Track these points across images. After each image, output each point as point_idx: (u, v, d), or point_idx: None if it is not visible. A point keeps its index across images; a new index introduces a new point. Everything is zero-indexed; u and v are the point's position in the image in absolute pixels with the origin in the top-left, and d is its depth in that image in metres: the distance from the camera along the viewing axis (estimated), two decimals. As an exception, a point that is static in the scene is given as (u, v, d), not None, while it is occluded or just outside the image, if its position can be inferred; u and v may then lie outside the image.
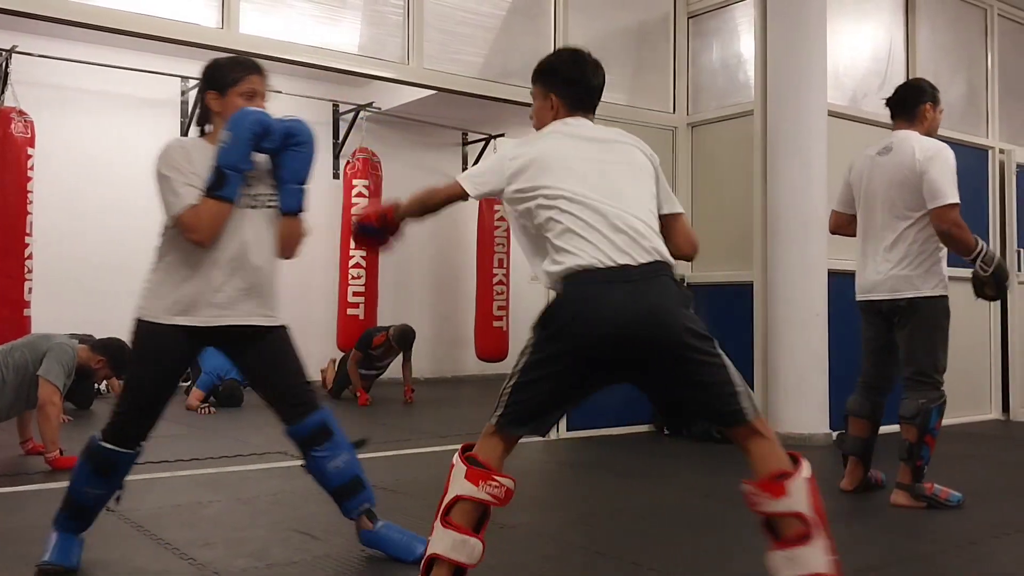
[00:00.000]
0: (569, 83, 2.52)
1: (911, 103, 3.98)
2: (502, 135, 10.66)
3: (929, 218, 3.73)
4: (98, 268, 7.98)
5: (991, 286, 3.84)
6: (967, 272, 3.90)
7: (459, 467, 2.24)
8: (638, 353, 2.20)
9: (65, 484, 2.92)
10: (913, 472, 3.78)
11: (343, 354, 8.61)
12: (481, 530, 2.24)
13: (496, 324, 10.03)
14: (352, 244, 2.72)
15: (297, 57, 4.96)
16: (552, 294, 2.33)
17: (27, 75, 7.60)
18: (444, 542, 2.19)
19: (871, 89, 6.46)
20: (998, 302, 6.87)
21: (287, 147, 2.81)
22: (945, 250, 3.83)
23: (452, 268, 10.65)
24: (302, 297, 9.57)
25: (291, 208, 2.85)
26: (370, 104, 9.60)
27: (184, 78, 8.45)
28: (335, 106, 9.88)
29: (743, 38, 6.29)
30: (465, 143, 11.00)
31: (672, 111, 6.53)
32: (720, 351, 2.26)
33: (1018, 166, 7.16)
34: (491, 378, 9.41)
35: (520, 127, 8.68)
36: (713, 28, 6.53)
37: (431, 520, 2.24)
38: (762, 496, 2.17)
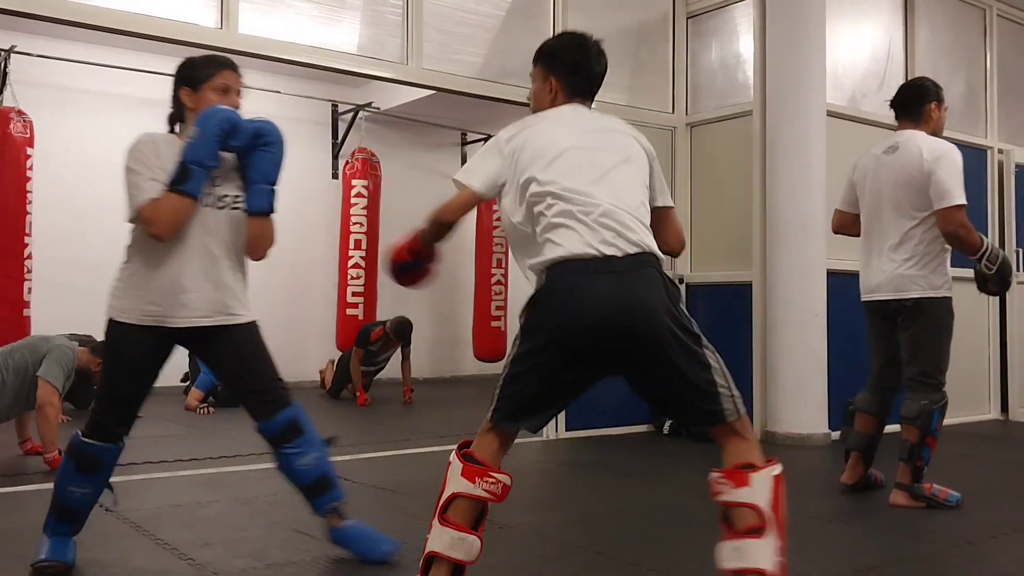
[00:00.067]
0: (570, 68, 2.48)
1: (916, 103, 3.97)
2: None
3: (935, 218, 3.73)
4: (98, 268, 7.92)
5: (995, 282, 3.84)
6: (967, 272, 3.90)
7: (456, 464, 2.23)
8: (621, 345, 2.18)
9: (64, 484, 2.92)
10: (913, 472, 3.78)
11: (341, 354, 8.61)
12: (479, 527, 2.24)
13: (494, 324, 10.04)
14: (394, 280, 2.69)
15: (296, 57, 4.95)
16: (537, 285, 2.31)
17: (26, 75, 7.59)
18: (442, 540, 2.19)
19: (870, 89, 6.47)
20: (997, 302, 6.89)
21: (256, 147, 2.80)
22: (950, 250, 3.83)
23: (450, 268, 10.64)
24: (301, 297, 9.59)
25: (259, 208, 2.83)
26: (369, 104, 9.59)
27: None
28: (334, 106, 9.87)
29: (742, 38, 6.30)
30: (464, 143, 10.99)
31: (671, 111, 6.53)
32: (707, 349, 2.24)
33: (1017, 166, 7.17)
34: (490, 378, 9.38)
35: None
36: (712, 28, 6.53)
37: (430, 519, 2.24)
38: (725, 484, 2.16)
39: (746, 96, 6.15)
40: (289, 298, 9.49)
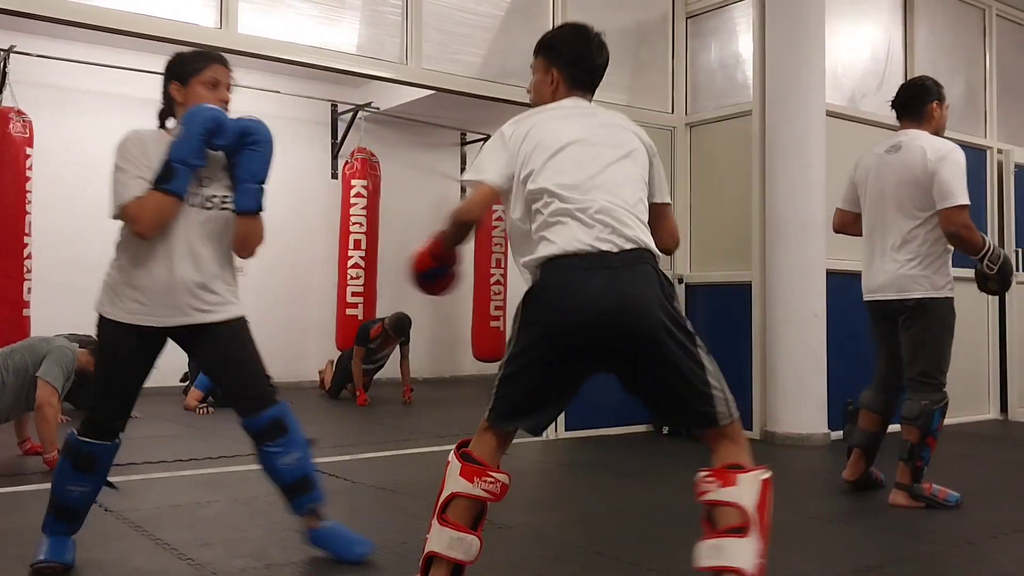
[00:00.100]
0: (572, 59, 2.46)
1: (917, 102, 3.96)
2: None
3: (938, 218, 3.72)
4: (97, 268, 7.83)
5: (996, 282, 3.84)
6: (966, 272, 3.90)
7: (454, 464, 2.23)
8: (615, 341, 2.17)
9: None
10: (912, 472, 3.78)
11: (340, 354, 8.61)
12: (478, 527, 2.24)
13: (493, 324, 10.04)
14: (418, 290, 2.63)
15: (295, 57, 4.95)
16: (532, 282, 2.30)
17: (25, 75, 7.59)
18: (441, 540, 2.19)
19: (870, 89, 6.47)
20: (997, 302, 6.89)
21: (244, 146, 2.80)
22: (952, 250, 3.82)
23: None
24: (301, 297, 9.59)
25: (246, 208, 2.84)
26: (369, 104, 9.59)
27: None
28: (333, 106, 9.87)
29: (742, 38, 6.29)
30: (463, 143, 11.00)
31: (671, 111, 6.52)
32: (702, 349, 2.22)
33: (1016, 166, 7.17)
34: (489, 378, 9.29)
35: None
36: (712, 28, 6.53)
37: (430, 519, 2.23)
38: (712, 483, 2.14)
39: (745, 96, 6.15)
40: (289, 298, 9.50)
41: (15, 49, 7.49)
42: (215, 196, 2.82)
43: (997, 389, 7.09)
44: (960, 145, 3.92)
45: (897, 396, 4.03)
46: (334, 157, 9.90)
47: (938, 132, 3.94)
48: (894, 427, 3.99)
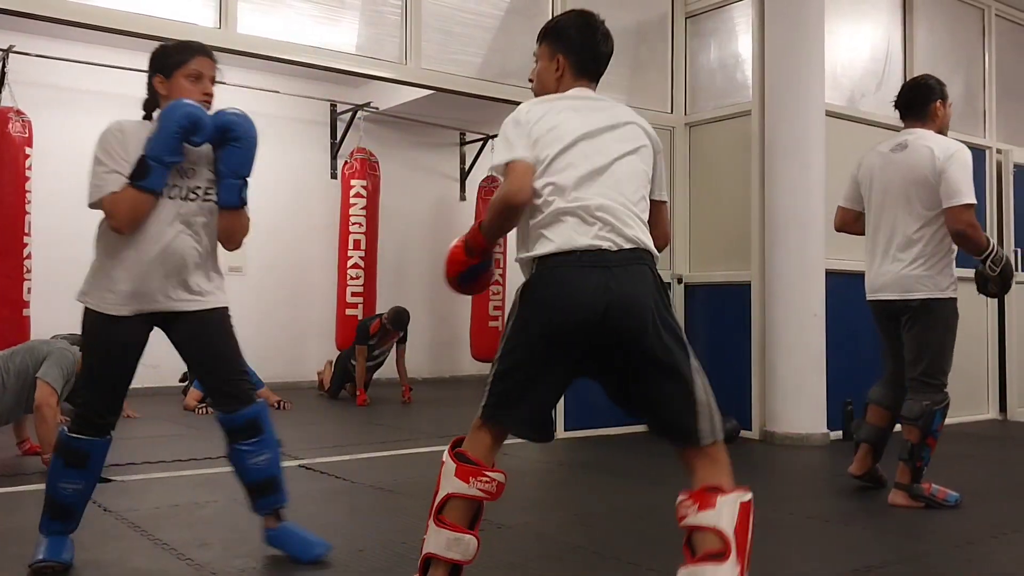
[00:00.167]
0: (578, 46, 2.42)
1: (921, 101, 3.96)
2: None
3: (944, 218, 3.72)
4: (96, 268, 7.96)
5: (996, 284, 3.83)
6: (966, 272, 3.90)
7: (449, 464, 2.21)
8: (607, 339, 2.15)
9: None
10: (912, 472, 3.78)
11: (339, 354, 8.61)
12: (475, 526, 2.23)
13: (492, 324, 10.03)
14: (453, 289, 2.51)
15: (295, 57, 4.95)
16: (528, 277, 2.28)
17: (24, 75, 7.58)
18: (439, 541, 2.18)
19: (869, 89, 6.47)
20: (996, 302, 6.89)
21: (226, 141, 2.79)
22: (956, 251, 3.82)
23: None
24: (301, 297, 9.59)
25: (228, 203, 2.84)
26: (368, 104, 9.58)
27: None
28: (333, 106, 9.86)
29: (741, 38, 6.29)
30: (463, 143, 10.99)
31: (670, 111, 6.53)
32: (693, 360, 2.18)
33: (1015, 166, 7.17)
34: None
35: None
36: (711, 28, 6.53)
37: (426, 520, 2.23)
38: (690, 506, 2.08)
39: (745, 96, 6.15)
40: (288, 298, 9.49)
41: (14, 49, 7.48)
42: (198, 187, 2.82)
43: (996, 389, 7.09)
44: (959, 145, 3.91)
45: (906, 393, 4.02)
46: (333, 157, 9.90)
47: (942, 131, 3.94)
48: (896, 427, 3.99)
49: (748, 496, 2.09)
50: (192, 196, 2.81)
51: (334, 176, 9.79)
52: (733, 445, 5.39)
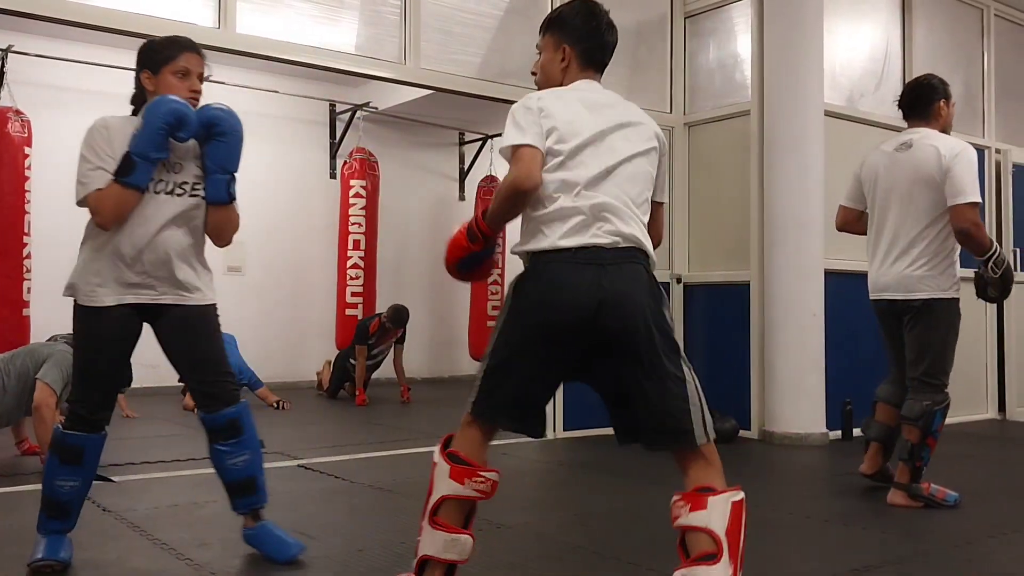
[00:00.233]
0: (584, 36, 2.38)
1: (924, 101, 3.95)
2: (499, 135, 10.65)
3: (948, 217, 3.71)
4: (95, 268, 7.95)
5: (996, 287, 3.81)
6: (966, 272, 3.89)
7: (442, 466, 2.20)
8: (596, 339, 2.14)
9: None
10: (912, 472, 3.79)
11: (337, 354, 8.60)
12: (469, 525, 2.23)
13: (491, 324, 10.01)
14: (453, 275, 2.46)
15: (294, 57, 4.95)
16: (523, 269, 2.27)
17: (24, 75, 7.58)
18: (436, 543, 2.18)
19: (868, 89, 6.47)
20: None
21: (211, 136, 2.79)
22: (958, 251, 3.82)
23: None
24: (301, 297, 9.59)
25: (216, 199, 2.84)
26: (367, 104, 9.58)
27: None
28: (332, 106, 9.86)
29: (740, 38, 6.30)
30: (462, 143, 10.99)
31: (669, 111, 6.53)
32: (684, 362, 2.17)
33: (1014, 166, 7.18)
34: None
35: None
36: (710, 28, 6.53)
37: (419, 521, 2.23)
38: (682, 507, 2.08)
39: (744, 96, 6.15)
40: (288, 298, 9.49)
41: (13, 49, 7.48)
42: (185, 183, 2.82)
43: (995, 389, 7.10)
44: (958, 144, 3.91)
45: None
46: (332, 157, 9.90)
47: (945, 130, 3.94)
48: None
49: (740, 496, 2.09)
50: (179, 192, 2.81)
51: (333, 176, 9.79)
52: (732, 445, 5.45)
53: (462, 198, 10.89)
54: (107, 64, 8.04)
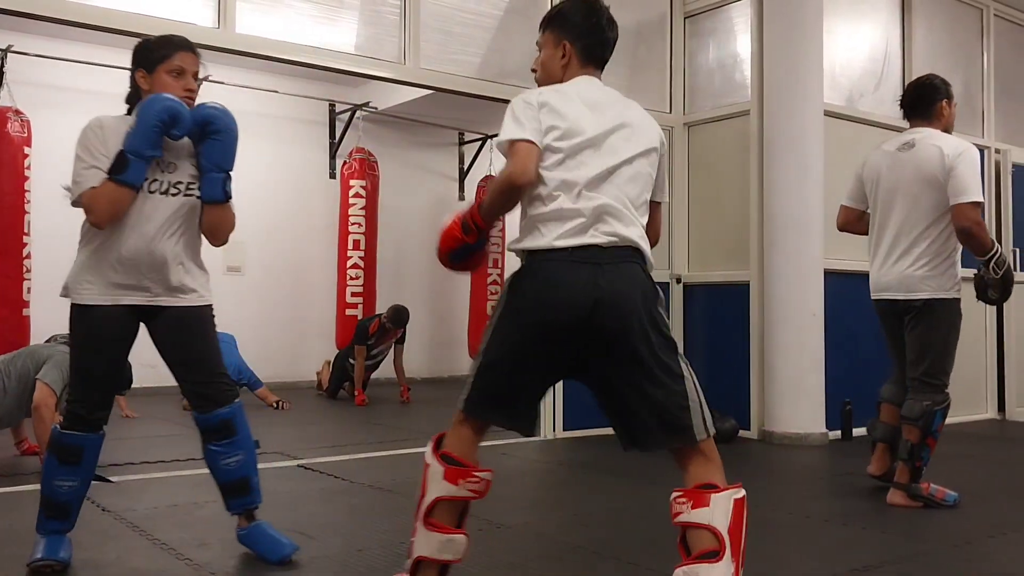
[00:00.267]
0: (585, 32, 2.36)
1: (927, 101, 3.95)
2: (498, 135, 10.65)
3: (950, 217, 3.70)
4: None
5: (997, 289, 3.81)
6: (967, 272, 3.89)
7: (436, 467, 2.20)
8: (592, 338, 2.13)
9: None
10: (911, 472, 3.79)
11: (337, 353, 8.61)
12: (462, 524, 2.23)
13: (491, 324, 10.03)
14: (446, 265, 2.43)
15: (293, 57, 4.95)
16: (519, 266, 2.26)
17: (23, 75, 7.58)
18: (431, 544, 2.18)
19: (867, 89, 6.47)
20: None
21: (206, 135, 2.79)
22: (960, 251, 3.81)
23: (447, 269, 10.64)
24: (301, 297, 9.59)
25: (212, 197, 2.83)
26: (367, 104, 9.59)
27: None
28: (331, 106, 9.86)
29: (739, 38, 6.30)
30: (462, 143, 10.99)
31: (668, 111, 6.53)
32: (681, 359, 2.17)
33: (1014, 166, 7.18)
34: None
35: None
36: (709, 28, 6.53)
37: (413, 522, 2.22)
38: (683, 504, 2.07)
39: (743, 96, 6.15)
40: (288, 298, 9.49)
41: (12, 49, 7.48)
42: (180, 182, 2.82)
43: (994, 389, 7.10)
44: (958, 145, 3.91)
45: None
46: (332, 157, 9.90)
47: (947, 130, 3.93)
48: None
49: (741, 493, 2.09)
50: (174, 191, 2.81)
51: (333, 176, 9.79)
52: (731, 445, 5.45)
53: (462, 198, 10.89)
54: (107, 64, 8.04)
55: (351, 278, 9.18)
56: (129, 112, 2.86)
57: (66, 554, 2.81)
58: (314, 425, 6.84)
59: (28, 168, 7.10)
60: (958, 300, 3.81)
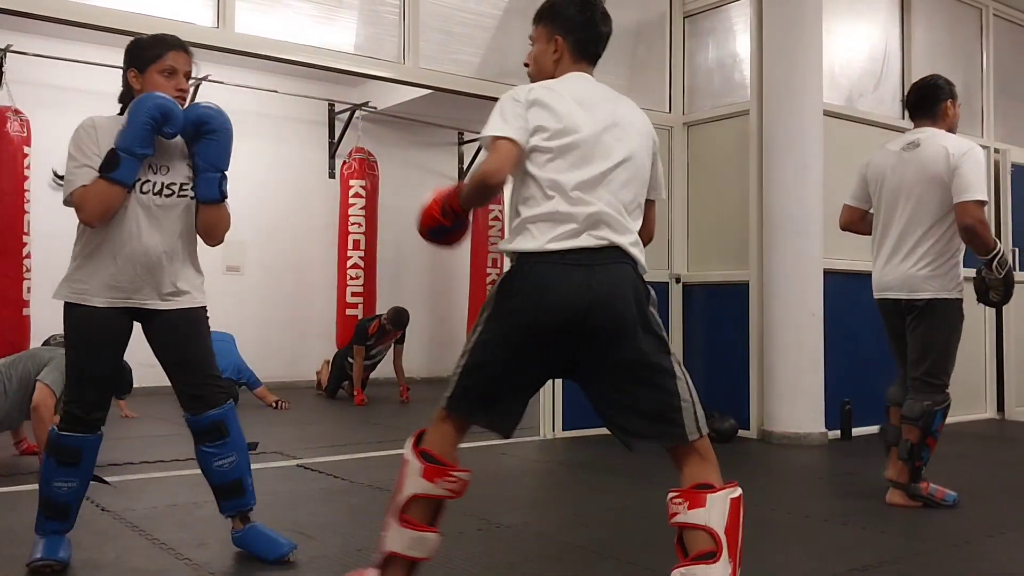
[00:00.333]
0: (577, 25, 2.33)
1: (931, 101, 3.95)
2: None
3: (954, 213, 3.69)
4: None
5: (998, 290, 3.80)
6: (967, 272, 3.89)
7: (414, 464, 2.18)
8: (584, 340, 2.12)
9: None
10: (911, 472, 3.79)
11: (336, 352, 8.61)
12: (436, 522, 2.22)
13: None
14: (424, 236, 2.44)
15: (293, 56, 4.95)
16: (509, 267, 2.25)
17: (23, 74, 7.59)
18: (402, 540, 2.17)
19: (867, 89, 6.47)
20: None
21: (201, 135, 2.79)
22: (963, 252, 3.81)
23: (447, 268, 10.65)
24: (301, 297, 9.59)
25: (208, 197, 2.83)
26: (366, 103, 9.59)
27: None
28: (331, 105, 9.86)
29: (739, 38, 6.30)
30: (461, 143, 11.00)
31: (668, 111, 6.53)
32: (674, 359, 2.16)
33: (1013, 165, 7.18)
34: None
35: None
36: (709, 28, 6.53)
37: (386, 516, 2.21)
38: (680, 504, 2.07)
39: (743, 95, 6.15)
40: (288, 298, 9.50)
41: (12, 48, 7.48)
42: (174, 183, 2.82)
43: (994, 388, 7.10)
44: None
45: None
46: (331, 156, 9.90)
47: (952, 130, 3.94)
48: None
49: (738, 492, 2.08)
50: (168, 192, 2.81)
51: (332, 176, 9.79)
52: (731, 444, 5.45)
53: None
54: (106, 64, 8.04)
55: (351, 278, 9.19)
56: (122, 112, 2.85)
57: (65, 554, 2.81)
58: (313, 425, 6.84)
59: (28, 168, 7.10)
60: (960, 300, 3.81)
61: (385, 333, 8.05)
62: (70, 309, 2.79)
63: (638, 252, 2.22)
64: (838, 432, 5.82)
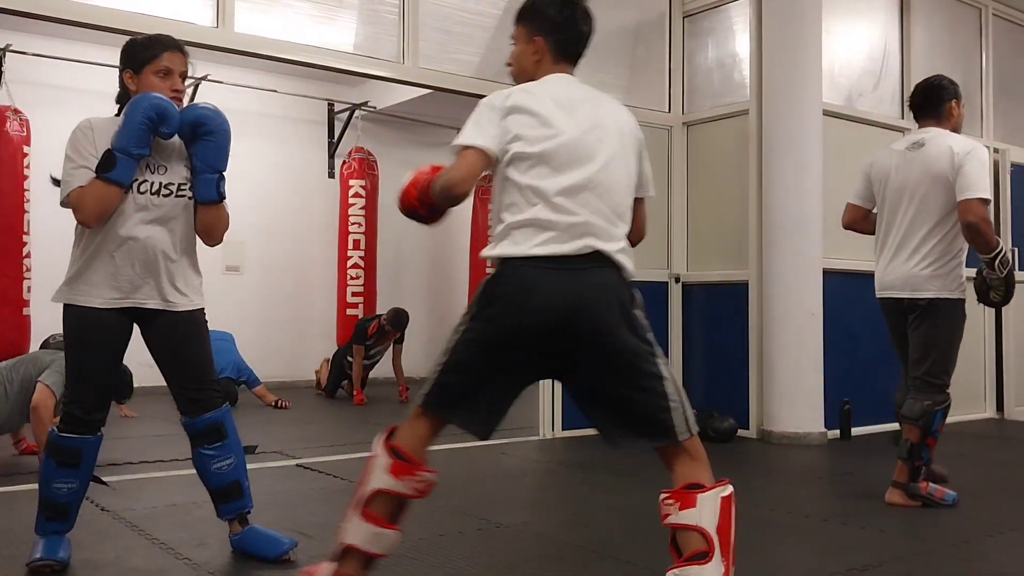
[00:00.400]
0: (557, 26, 2.30)
1: (936, 101, 3.96)
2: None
3: (957, 212, 3.69)
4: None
5: (999, 290, 3.80)
6: (968, 271, 3.89)
7: (382, 459, 2.18)
8: (569, 344, 2.11)
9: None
10: (911, 472, 3.79)
11: (335, 352, 8.60)
12: (398, 520, 2.21)
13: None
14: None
15: (292, 56, 4.95)
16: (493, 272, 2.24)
17: (22, 74, 7.58)
18: (361, 534, 2.16)
19: (866, 89, 6.47)
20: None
21: (198, 136, 2.78)
22: (966, 252, 3.81)
23: (447, 268, 10.66)
24: (301, 297, 9.59)
25: (206, 198, 2.83)
26: (365, 103, 9.58)
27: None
28: (330, 105, 9.85)
29: (739, 37, 6.30)
30: (461, 142, 10.98)
31: (667, 110, 6.52)
32: (660, 360, 2.15)
33: (1012, 165, 7.19)
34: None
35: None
36: (708, 27, 6.53)
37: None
38: (671, 505, 2.07)
39: (742, 95, 6.15)
40: (288, 298, 9.50)
41: (11, 48, 7.48)
42: (171, 184, 2.82)
43: (993, 388, 7.10)
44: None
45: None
46: (331, 156, 9.89)
47: (956, 130, 3.94)
48: (895, 426, 3.98)
49: (729, 490, 2.08)
50: (165, 193, 2.81)
51: (332, 176, 9.79)
52: (730, 444, 5.45)
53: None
54: (106, 64, 8.04)
55: (351, 278, 9.19)
56: (119, 113, 2.85)
57: (65, 554, 2.81)
58: (313, 424, 6.84)
59: (27, 167, 7.10)
60: (963, 300, 3.81)
61: (384, 334, 8.05)
62: (69, 310, 2.79)
63: (624, 258, 2.19)
64: (837, 432, 5.83)
